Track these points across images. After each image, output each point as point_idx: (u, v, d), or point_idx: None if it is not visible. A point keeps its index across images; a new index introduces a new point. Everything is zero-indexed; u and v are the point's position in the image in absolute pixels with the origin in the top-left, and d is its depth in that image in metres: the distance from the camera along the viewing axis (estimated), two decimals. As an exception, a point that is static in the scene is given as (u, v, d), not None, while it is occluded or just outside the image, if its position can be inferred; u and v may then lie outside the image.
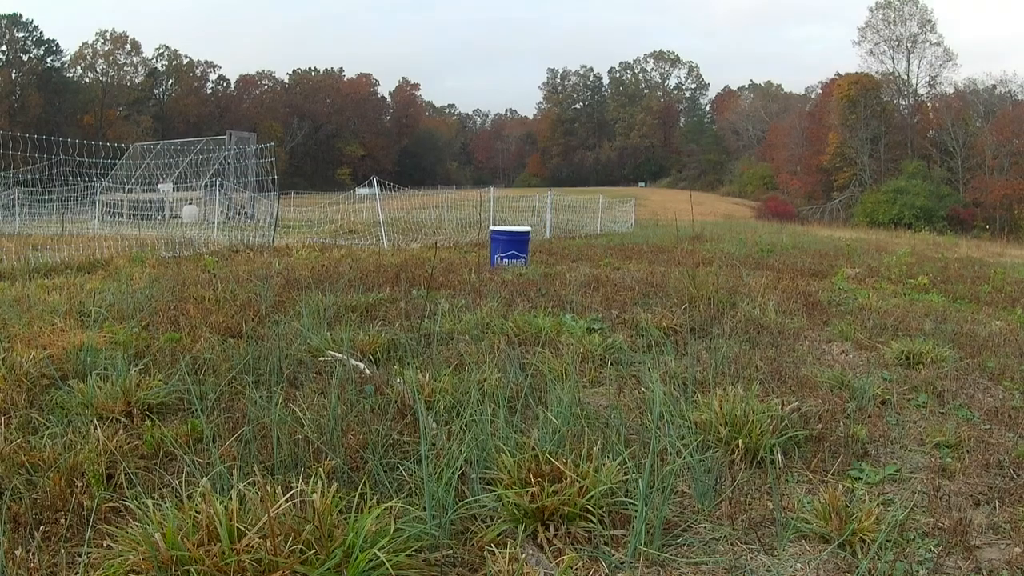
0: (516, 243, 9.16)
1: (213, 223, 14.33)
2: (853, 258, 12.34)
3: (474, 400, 2.86)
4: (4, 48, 69.98)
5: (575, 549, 2.08)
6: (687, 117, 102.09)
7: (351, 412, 2.97)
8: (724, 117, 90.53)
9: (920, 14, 64.97)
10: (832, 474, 2.67)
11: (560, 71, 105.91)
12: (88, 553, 1.91)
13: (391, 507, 2.01)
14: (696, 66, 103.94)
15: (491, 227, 10.40)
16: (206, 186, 20.32)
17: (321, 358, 3.91)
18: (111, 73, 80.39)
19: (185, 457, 2.39)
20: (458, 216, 16.74)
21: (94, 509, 2.15)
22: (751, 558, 2.11)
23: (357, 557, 1.78)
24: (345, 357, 3.68)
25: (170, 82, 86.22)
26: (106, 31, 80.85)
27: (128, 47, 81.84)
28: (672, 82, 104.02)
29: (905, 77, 65.87)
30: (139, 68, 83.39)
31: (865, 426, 3.14)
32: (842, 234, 26.98)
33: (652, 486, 2.27)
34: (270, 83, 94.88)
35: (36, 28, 72.54)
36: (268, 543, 1.76)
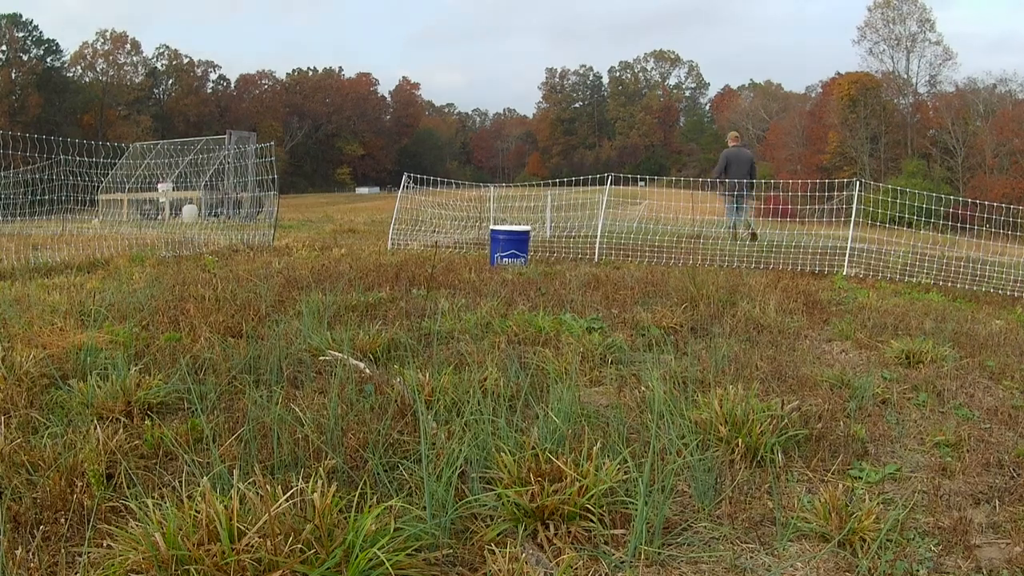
0: (516, 242, 9.14)
1: (208, 221, 14.39)
2: (853, 257, 12.32)
3: (474, 399, 2.86)
4: (4, 48, 69.98)
5: (575, 548, 2.08)
6: (687, 116, 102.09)
7: (351, 412, 2.97)
8: (724, 116, 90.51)
9: (919, 13, 65.04)
10: (832, 473, 2.67)
11: (559, 70, 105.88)
12: (88, 553, 1.91)
13: (391, 506, 2.01)
14: (696, 65, 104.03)
15: (491, 226, 10.39)
16: (205, 186, 20.34)
17: (321, 358, 3.91)
18: (111, 73, 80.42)
19: (185, 457, 2.39)
20: (458, 215, 16.74)
21: (94, 509, 2.15)
22: (751, 557, 2.11)
23: (357, 556, 1.78)
24: (345, 356, 3.68)
25: (170, 82, 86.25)
26: (106, 31, 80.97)
27: (128, 47, 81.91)
28: (672, 81, 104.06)
29: (905, 76, 65.92)
30: (139, 68, 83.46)
31: (865, 425, 3.14)
32: (842, 233, 26.92)
33: (652, 485, 2.27)
34: (270, 83, 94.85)
35: (36, 28, 72.64)
36: (268, 542, 1.76)
